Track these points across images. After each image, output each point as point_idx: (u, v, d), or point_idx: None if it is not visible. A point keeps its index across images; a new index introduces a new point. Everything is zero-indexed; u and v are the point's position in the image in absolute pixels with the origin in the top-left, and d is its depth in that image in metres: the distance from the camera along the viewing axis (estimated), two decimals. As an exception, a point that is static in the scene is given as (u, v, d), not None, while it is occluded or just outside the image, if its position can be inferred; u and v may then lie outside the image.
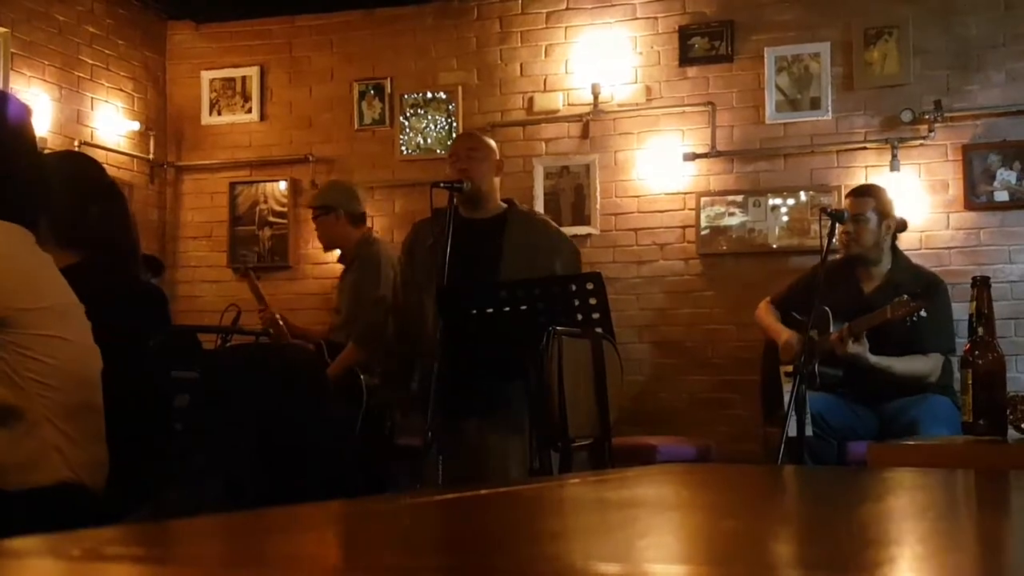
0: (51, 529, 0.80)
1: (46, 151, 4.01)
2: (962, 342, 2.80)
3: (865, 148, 5.49)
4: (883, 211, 4.46)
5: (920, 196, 5.37)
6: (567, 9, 5.98)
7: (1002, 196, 5.30)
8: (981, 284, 2.47)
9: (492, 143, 4.13)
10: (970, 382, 2.41)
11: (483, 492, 1.31)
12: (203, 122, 6.57)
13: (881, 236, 4.44)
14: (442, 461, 3.66)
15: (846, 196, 4.79)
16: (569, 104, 5.94)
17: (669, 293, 5.73)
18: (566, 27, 5.98)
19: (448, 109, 6.14)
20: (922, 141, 5.39)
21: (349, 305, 4.88)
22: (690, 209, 5.71)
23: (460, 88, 6.12)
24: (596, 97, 5.83)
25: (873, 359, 4.17)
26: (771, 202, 5.61)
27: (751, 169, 5.68)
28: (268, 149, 6.46)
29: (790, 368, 3.94)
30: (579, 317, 3.25)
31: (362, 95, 6.29)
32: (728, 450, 5.33)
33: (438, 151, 5.99)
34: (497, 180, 4.07)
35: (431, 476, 3.65)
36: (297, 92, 6.44)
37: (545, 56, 6.01)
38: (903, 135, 5.41)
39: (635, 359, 5.55)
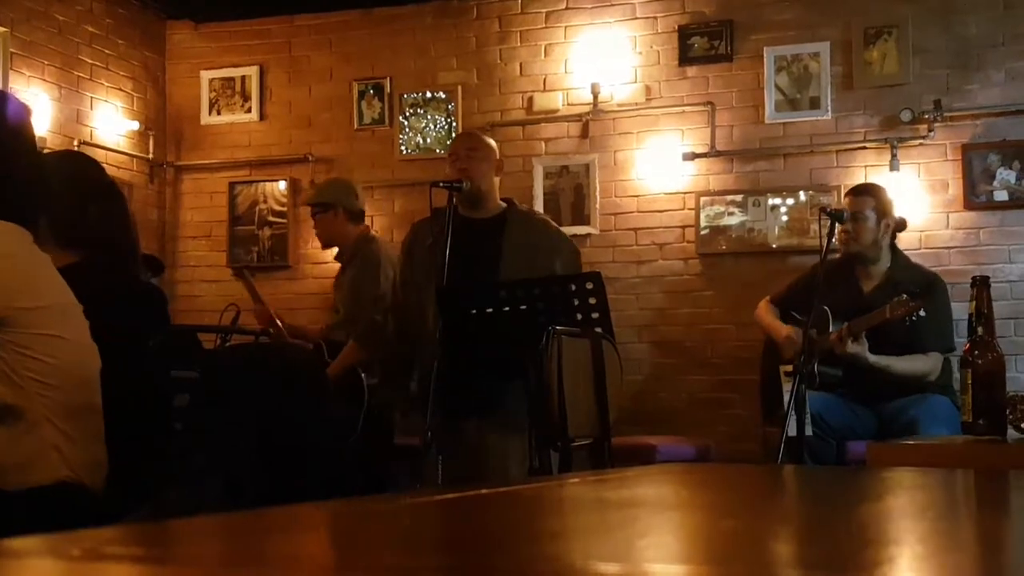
0: (50, 529, 0.80)
1: (46, 151, 4.01)
2: (962, 342, 2.80)
3: (865, 148, 5.49)
4: (882, 210, 4.46)
5: (920, 196, 5.38)
6: (567, 9, 5.98)
7: (1002, 196, 5.30)
8: (981, 284, 2.47)
9: (492, 143, 4.13)
10: (970, 382, 2.41)
11: (483, 492, 1.31)
12: (202, 122, 6.57)
13: (880, 235, 4.44)
14: (442, 461, 3.66)
15: (845, 195, 4.80)
16: (569, 104, 5.94)
17: (669, 293, 5.73)
18: (566, 27, 5.98)
19: (447, 109, 6.14)
20: (922, 141, 5.39)
21: (348, 303, 4.86)
22: (690, 209, 5.71)
23: (459, 88, 6.12)
24: (596, 97, 5.83)
25: (872, 359, 4.17)
26: (771, 202, 5.61)
27: (751, 169, 5.68)
28: (267, 149, 6.46)
29: (790, 368, 3.94)
30: (579, 317, 3.25)
31: (361, 95, 6.29)
32: (728, 450, 5.33)
33: (438, 151, 5.99)
34: (497, 180, 4.07)
35: (431, 476, 3.65)
36: (296, 92, 6.44)
37: (545, 56, 6.01)
38: (903, 135, 5.41)
39: (635, 359, 5.55)
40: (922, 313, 4.07)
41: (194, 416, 2.73)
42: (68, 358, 2.16)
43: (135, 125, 6.34)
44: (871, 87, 5.52)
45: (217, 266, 6.48)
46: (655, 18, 5.84)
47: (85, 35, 6.02)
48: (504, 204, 4.03)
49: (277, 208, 6.42)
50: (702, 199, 5.68)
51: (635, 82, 5.84)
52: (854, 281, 4.47)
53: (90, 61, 6.05)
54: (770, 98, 5.64)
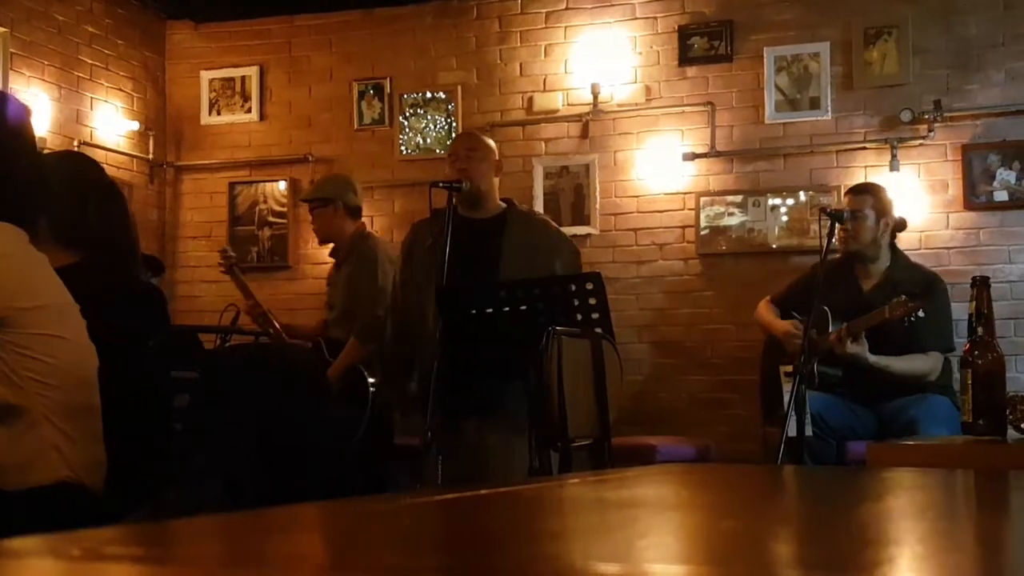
0: (50, 528, 0.80)
1: (45, 151, 4.01)
2: (962, 342, 2.80)
3: (864, 148, 5.50)
4: (881, 209, 4.46)
5: (919, 196, 5.38)
6: (567, 9, 5.98)
7: (1001, 196, 5.30)
8: (981, 284, 2.47)
9: (491, 143, 4.13)
10: (970, 382, 2.41)
11: (483, 492, 1.31)
12: (202, 122, 6.57)
13: (879, 234, 4.44)
14: (442, 461, 3.66)
15: (845, 194, 4.80)
16: (569, 104, 5.94)
17: (668, 293, 5.73)
18: (566, 27, 5.98)
19: (447, 109, 6.14)
20: (921, 141, 5.39)
21: (344, 300, 4.84)
22: (689, 209, 5.71)
23: (459, 88, 6.12)
24: (596, 97, 5.83)
25: (872, 359, 4.17)
26: (770, 202, 5.61)
27: (750, 169, 5.68)
28: (267, 149, 6.46)
29: (789, 368, 3.94)
30: (579, 317, 3.25)
31: (361, 95, 6.30)
32: (728, 450, 5.33)
33: (437, 151, 5.99)
34: (496, 180, 4.06)
35: (431, 476, 3.65)
36: (296, 92, 6.44)
37: (545, 56, 6.01)
38: (903, 135, 5.41)
39: (635, 359, 5.56)
40: (921, 313, 4.07)
41: (194, 416, 2.73)
42: (67, 358, 2.16)
43: (135, 125, 6.34)
44: (871, 87, 5.52)
45: (217, 266, 6.47)
46: (655, 18, 5.84)
47: (85, 35, 6.02)
48: (504, 204, 4.03)
49: (277, 208, 6.42)
50: (702, 199, 5.68)
51: (635, 82, 5.85)
52: (854, 280, 4.47)
53: (90, 61, 6.05)
54: (770, 98, 5.64)
